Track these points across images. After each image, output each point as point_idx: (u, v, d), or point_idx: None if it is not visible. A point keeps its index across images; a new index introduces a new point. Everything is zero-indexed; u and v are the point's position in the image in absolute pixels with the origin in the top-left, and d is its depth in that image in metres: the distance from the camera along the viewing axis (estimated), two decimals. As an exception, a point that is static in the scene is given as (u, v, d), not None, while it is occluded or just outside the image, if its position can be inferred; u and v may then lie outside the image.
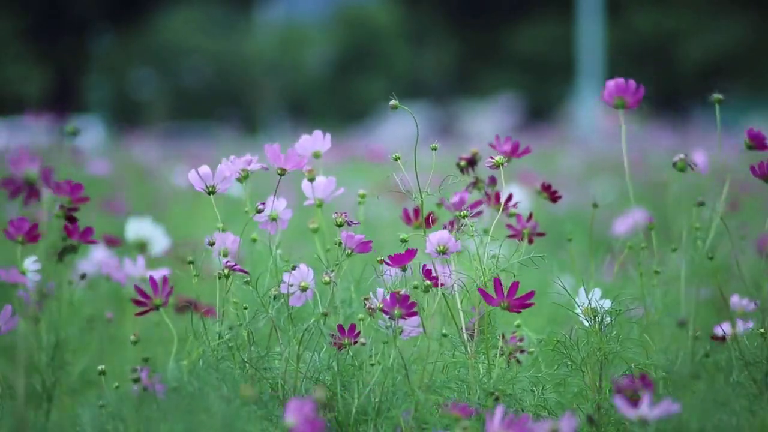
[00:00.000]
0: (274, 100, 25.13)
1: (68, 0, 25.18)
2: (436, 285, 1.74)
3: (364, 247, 1.77)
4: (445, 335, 1.77)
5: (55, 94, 22.64)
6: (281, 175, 1.82)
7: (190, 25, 26.20)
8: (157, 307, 1.77)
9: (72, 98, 23.51)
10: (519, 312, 1.73)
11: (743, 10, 24.44)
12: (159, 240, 2.63)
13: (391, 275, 1.76)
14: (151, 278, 1.79)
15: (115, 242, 2.69)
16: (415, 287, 1.72)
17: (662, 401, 1.50)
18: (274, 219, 1.83)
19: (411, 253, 1.74)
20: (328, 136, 1.89)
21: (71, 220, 1.80)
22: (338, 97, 25.73)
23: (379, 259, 1.77)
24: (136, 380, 1.67)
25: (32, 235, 1.78)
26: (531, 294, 1.72)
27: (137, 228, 2.61)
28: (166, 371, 1.68)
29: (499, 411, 1.51)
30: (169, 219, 5.69)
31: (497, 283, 1.71)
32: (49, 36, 24.59)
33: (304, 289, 1.76)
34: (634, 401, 1.53)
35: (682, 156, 1.83)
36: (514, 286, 1.72)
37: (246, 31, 26.36)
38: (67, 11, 25.17)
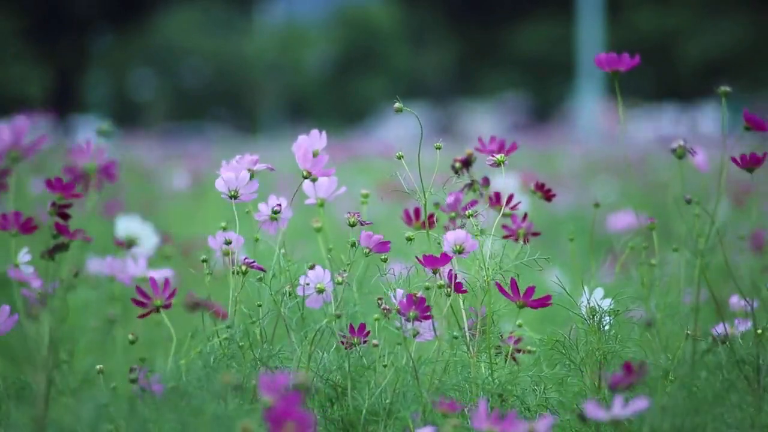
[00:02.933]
0: (274, 100, 25.13)
1: (68, 0, 25.18)
2: (459, 290, 1.74)
3: (383, 247, 1.78)
4: (456, 337, 1.77)
5: (55, 94, 22.64)
6: (306, 178, 1.83)
7: (190, 25, 26.19)
8: (157, 308, 1.77)
9: (72, 98, 23.52)
10: (537, 310, 1.74)
11: (743, 10, 24.44)
12: (148, 238, 2.61)
13: (395, 275, 1.76)
14: (152, 279, 1.79)
15: (118, 243, 2.69)
16: (427, 288, 1.72)
17: (634, 399, 1.50)
18: (274, 218, 1.83)
19: (445, 257, 1.74)
20: (324, 134, 1.89)
21: (63, 217, 1.79)
22: (338, 97, 25.73)
23: (383, 257, 1.77)
24: (134, 380, 1.67)
25: (27, 228, 1.78)
26: (548, 297, 1.73)
27: (127, 225, 2.60)
28: (164, 371, 1.68)
29: (482, 406, 1.51)
30: (170, 219, 5.70)
31: (513, 283, 1.73)
32: (49, 36, 24.59)
33: (320, 291, 1.76)
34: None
35: (680, 142, 1.84)
36: (531, 288, 1.73)
37: (246, 31, 26.36)
38: (67, 11, 25.17)
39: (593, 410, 1.50)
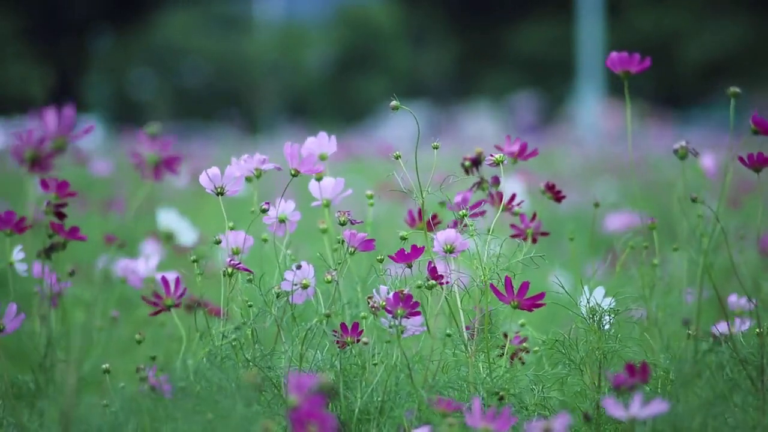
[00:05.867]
0: (274, 100, 25.12)
1: (68, 0, 25.17)
2: (441, 284, 1.74)
3: (368, 245, 1.77)
4: (449, 335, 1.77)
5: (56, 94, 22.64)
6: (294, 176, 1.81)
7: (190, 24, 26.18)
8: (168, 308, 1.77)
9: (72, 98, 23.50)
10: (531, 311, 1.73)
11: (743, 10, 24.43)
12: (186, 232, 2.64)
13: (393, 274, 1.75)
14: (163, 278, 1.79)
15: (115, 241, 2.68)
16: (419, 287, 1.72)
17: (653, 400, 1.49)
18: (282, 221, 1.83)
19: (417, 251, 1.74)
20: (334, 138, 1.88)
21: (59, 216, 1.80)
22: (338, 97, 25.72)
23: (379, 257, 1.77)
24: (143, 379, 1.67)
25: (20, 227, 1.79)
26: (542, 295, 1.72)
27: (167, 219, 2.62)
28: (172, 371, 1.68)
29: (476, 404, 1.50)
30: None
31: (508, 281, 1.72)
32: (49, 36, 24.58)
33: (305, 287, 1.76)
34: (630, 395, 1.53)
35: (683, 143, 1.83)
36: (524, 285, 1.72)
37: (246, 31, 26.35)
38: (67, 11, 25.16)
39: (612, 408, 1.49)
